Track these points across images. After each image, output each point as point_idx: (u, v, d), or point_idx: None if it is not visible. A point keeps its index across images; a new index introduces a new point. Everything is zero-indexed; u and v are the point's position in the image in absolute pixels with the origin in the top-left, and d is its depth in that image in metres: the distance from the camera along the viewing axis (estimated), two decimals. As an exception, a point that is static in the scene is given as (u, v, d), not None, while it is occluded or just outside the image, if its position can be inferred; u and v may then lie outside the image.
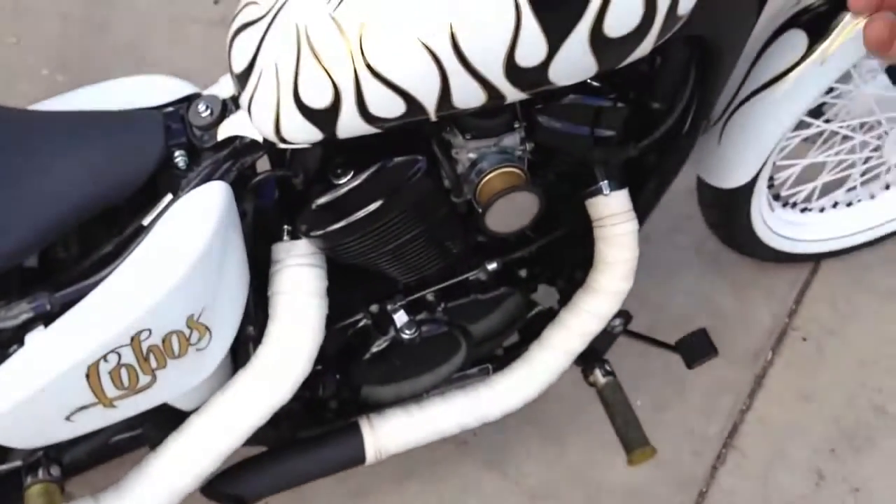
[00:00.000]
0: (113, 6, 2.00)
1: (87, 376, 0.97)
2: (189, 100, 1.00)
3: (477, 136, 1.00)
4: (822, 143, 1.47)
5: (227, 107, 0.99)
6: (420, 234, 1.08)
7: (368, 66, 0.86)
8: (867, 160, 1.51)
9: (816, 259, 1.70)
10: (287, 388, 1.10)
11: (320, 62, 0.87)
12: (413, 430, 1.27)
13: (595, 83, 1.04)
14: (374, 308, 1.19)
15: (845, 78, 1.32)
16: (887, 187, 1.67)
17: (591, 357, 1.32)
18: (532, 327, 1.28)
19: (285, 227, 1.08)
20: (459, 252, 1.16)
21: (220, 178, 0.97)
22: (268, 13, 0.91)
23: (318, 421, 1.29)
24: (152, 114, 0.99)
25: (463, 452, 1.51)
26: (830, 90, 1.35)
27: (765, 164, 1.35)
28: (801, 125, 1.38)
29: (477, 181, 1.00)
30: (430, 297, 1.20)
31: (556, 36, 0.84)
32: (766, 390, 1.57)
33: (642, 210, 1.21)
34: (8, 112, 0.96)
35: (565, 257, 1.26)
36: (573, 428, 1.53)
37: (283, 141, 0.95)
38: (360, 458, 1.26)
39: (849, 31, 1.20)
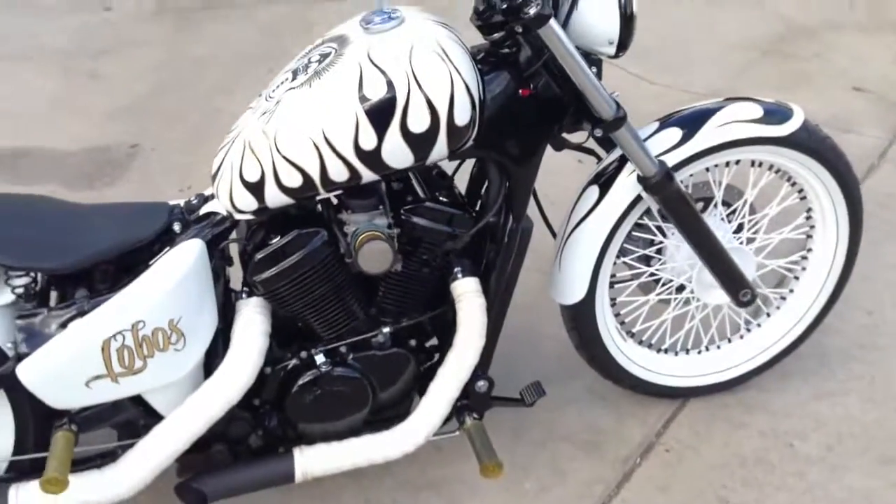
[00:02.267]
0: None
1: (102, 349, 1.56)
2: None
3: (355, 212, 1.64)
4: (658, 287, 2.03)
5: (209, 198, 1.67)
6: (328, 290, 1.67)
7: (279, 152, 1.53)
8: (685, 301, 2.05)
9: (679, 395, 2.16)
10: (237, 389, 1.65)
11: (254, 154, 1.55)
12: (333, 458, 1.76)
13: (441, 198, 1.70)
14: (302, 354, 1.75)
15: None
16: (729, 340, 2.18)
17: (463, 410, 1.82)
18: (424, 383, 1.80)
19: (244, 288, 1.70)
20: (362, 316, 1.73)
21: (197, 236, 1.62)
22: (233, 136, 1.62)
23: (265, 450, 1.79)
24: (163, 204, 1.67)
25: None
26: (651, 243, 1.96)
27: (594, 282, 1.90)
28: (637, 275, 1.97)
29: (354, 240, 1.62)
30: (342, 348, 1.75)
31: (380, 129, 1.51)
32: (632, 483, 1.98)
33: (497, 298, 1.78)
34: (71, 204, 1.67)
35: (444, 330, 1.81)
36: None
37: (236, 210, 1.60)
38: (290, 476, 1.75)
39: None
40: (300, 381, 1.74)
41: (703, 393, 2.17)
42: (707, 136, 1.83)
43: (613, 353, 2.05)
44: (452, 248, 1.73)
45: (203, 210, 1.67)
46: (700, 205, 1.93)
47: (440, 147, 1.57)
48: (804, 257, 2.13)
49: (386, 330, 1.77)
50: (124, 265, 1.62)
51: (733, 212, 2.00)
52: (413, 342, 1.82)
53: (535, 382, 1.91)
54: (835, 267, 2.10)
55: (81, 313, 1.57)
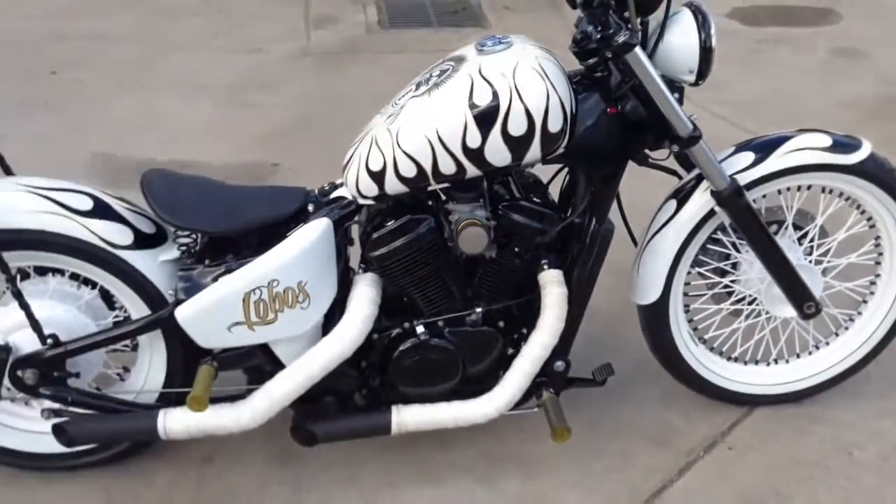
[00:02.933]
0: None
1: (243, 301, 1.89)
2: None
3: (459, 203, 1.93)
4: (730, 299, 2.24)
5: (339, 185, 1.99)
6: (431, 270, 1.96)
7: (399, 146, 1.84)
8: (756, 313, 2.25)
9: (745, 401, 2.34)
10: (348, 346, 1.94)
11: (379, 148, 1.87)
12: (424, 417, 2.03)
13: (535, 200, 1.97)
14: (406, 324, 2.03)
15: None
16: (798, 356, 2.35)
17: (542, 386, 2.06)
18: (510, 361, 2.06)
19: (361, 265, 2.01)
20: (459, 296, 2.02)
21: (326, 216, 1.94)
22: (363, 134, 1.94)
23: (369, 406, 2.08)
24: (302, 189, 2.01)
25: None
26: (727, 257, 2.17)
27: (669, 286, 2.13)
28: (711, 286, 2.19)
29: (456, 226, 1.91)
30: (440, 323, 2.03)
31: (485, 131, 1.81)
32: (693, 472, 2.17)
33: (578, 289, 2.03)
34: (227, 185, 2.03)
35: (531, 316, 2.07)
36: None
37: (360, 195, 1.92)
38: (387, 428, 2.03)
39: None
40: (401, 348, 2.03)
41: (769, 402, 2.35)
42: (777, 160, 2.05)
43: (685, 356, 2.26)
44: (541, 242, 1.99)
45: (333, 195, 1.99)
46: (774, 227, 2.14)
47: (534, 150, 1.85)
48: (873, 282, 2.30)
49: (479, 310, 2.04)
50: (266, 235, 1.95)
51: (805, 234, 2.20)
52: (502, 324, 2.08)
53: (606, 364, 2.15)
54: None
55: (229, 270, 1.91)
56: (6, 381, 1.95)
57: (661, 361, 2.29)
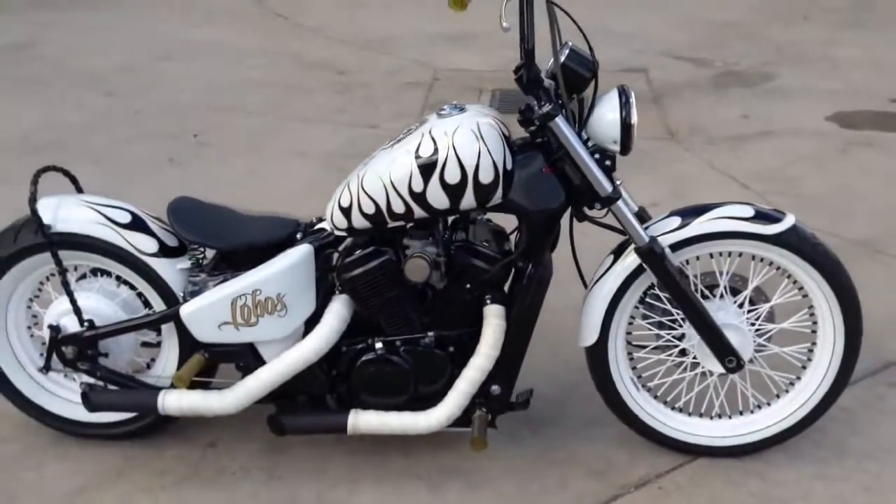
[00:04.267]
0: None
1: (231, 304, 2.34)
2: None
3: (413, 239, 2.31)
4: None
5: (322, 220, 2.43)
6: (391, 295, 2.35)
7: (362, 187, 2.27)
8: (693, 365, 2.47)
9: (685, 450, 2.54)
10: (315, 353, 2.35)
11: (349, 188, 2.30)
12: (376, 422, 2.40)
13: (485, 244, 2.34)
14: (369, 340, 2.42)
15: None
16: (741, 413, 2.54)
17: (477, 406, 2.39)
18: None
19: (338, 287, 2.42)
20: (415, 321, 2.39)
21: (309, 243, 2.38)
22: (345, 180, 2.38)
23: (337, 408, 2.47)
24: (294, 220, 2.46)
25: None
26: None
27: (606, 331, 2.41)
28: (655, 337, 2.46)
29: (406, 258, 2.30)
30: (397, 342, 2.40)
31: (426, 178, 2.20)
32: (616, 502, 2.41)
33: (516, 325, 2.36)
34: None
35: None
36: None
37: (335, 227, 2.35)
38: (343, 428, 2.40)
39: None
40: (362, 360, 2.41)
41: (710, 453, 2.54)
42: (699, 225, 2.32)
43: (626, 399, 2.51)
44: (487, 280, 2.34)
45: (317, 227, 2.43)
46: (713, 289, 2.40)
47: (469, 197, 2.22)
48: (810, 349, 2.48)
49: (431, 334, 2.40)
50: (261, 255, 2.40)
51: (749, 299, 2.43)
52: (452, 349, 2.43)
53: (528, 389, 2.46)
54: (833, 364, 2.43)
55: (224, 279, 2.38)
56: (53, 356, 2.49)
57: (605, 401, 2.55)
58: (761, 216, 2.34)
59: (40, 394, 2.61)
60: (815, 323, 2.45)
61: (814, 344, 2.47)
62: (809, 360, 2.49)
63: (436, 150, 2.20)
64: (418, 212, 2.25)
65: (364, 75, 6.18)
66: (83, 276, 2.56)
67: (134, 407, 2.50)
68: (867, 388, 2.85)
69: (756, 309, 2.44)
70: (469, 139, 2.20)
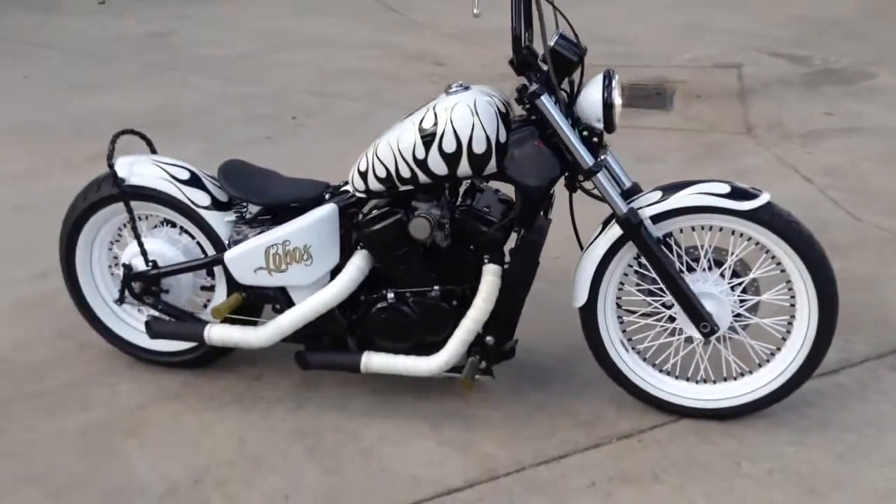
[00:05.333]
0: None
1: (265, 252, 2.73)
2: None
3: (420, 201, 2.63)
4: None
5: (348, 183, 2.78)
6: (401, 251, 2.67)
7: (376, 154, 2.60)
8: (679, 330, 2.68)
9: (671, 410, 2.75)
10: (335, 297, 2.70)
11: (366, 154, 2.64)
12: (385, 363, 2.73)
13: (486, 209, 2.63)
14: (383, 291, 2.75)
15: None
16: (725, 380, 2.73)
17: (472, 353, 2.68)
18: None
19: (360, 243, 2.76)
20: (422, 275, 2.70)
21: (334, 202, 2.73)
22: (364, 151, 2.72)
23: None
24: (324, 182, 2.82)
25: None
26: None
27: (595, 294, 2.65)
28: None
29: (410, 217, 2.61)
30: (407, 294, 2.72)
31: (427, 146, 2.51)
32: (597, 451, 2.65)
33: (511, 282, 2.64)
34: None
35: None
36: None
37: (356, 189, 2.69)
38: (357, 367, 2.75)
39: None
40: (375, 307, 2.75)
41: (692, 415, 2.74)
42: (677, 199, 2.53)
43: (614, 359, 2.74)
44: (484, 241, 2.63)
45: (343, 189, 2.78)
46: (704, 262, 2.61)
47: (464, 166, 2.51)
48: (789, 322, 2.65)
49: (437, 288, 2.71)
50: (295, 211, 2.77)
51: (735, 272, 2.63)
52: (455, 303, 2.73)
53: (514, 339, 2.73)
54: (808, 337, 2.59)
55: (262, 231, 2.76)
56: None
57: (595, 358, 2.79)
58: (737, 193, 2.52)
59: (117, 323, 3.08)
60: (793, 297, 2.62)
61: (792, 317, 2.64)
62: (788, 332, 2.65)
63: (436, 122, 2.51)
64: (422, 177, 2.57)
65: (461, 67, 6.51)
66: (155, 226, 3.01)
67: (185, 336, 2.92)
68: (869, 369, 2.97)
69: (739, 281, 2.63)
70: (465, 113, 2.49)
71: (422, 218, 2.60)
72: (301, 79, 6.20)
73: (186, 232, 2.96)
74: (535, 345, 3.04)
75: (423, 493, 2.53)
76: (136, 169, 2.87)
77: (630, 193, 2.63)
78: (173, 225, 2.97)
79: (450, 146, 2.50)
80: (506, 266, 2.67)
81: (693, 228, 2.62)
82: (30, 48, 6.73)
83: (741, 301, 2.65)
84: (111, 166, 2.83)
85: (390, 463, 2.64)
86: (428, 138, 2.52)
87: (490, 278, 2.63)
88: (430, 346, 2.75)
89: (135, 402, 2.94)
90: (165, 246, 2.95)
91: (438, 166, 2.53)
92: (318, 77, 6.29)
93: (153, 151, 3.03)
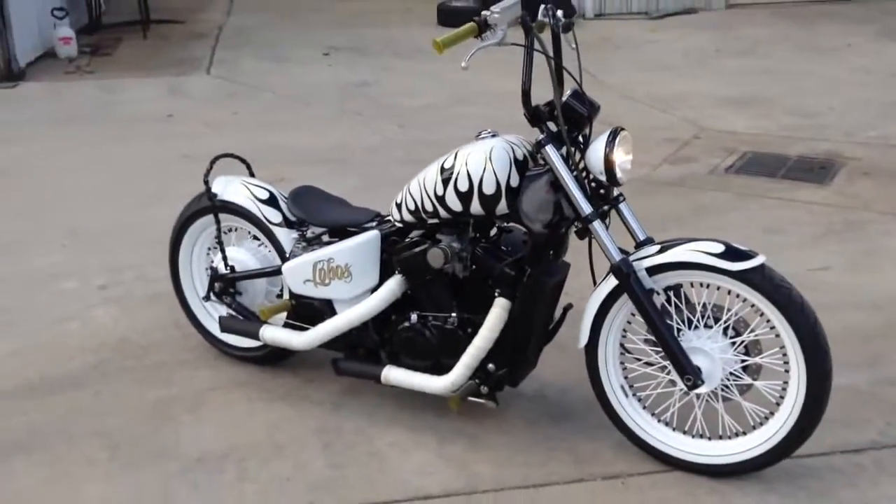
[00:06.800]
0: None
1: (313, 266, 3.11)
2: None
3: (443, 234, 2.91)
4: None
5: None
6: (427, 280, 2.96)
7: (409, 189, 2.92)
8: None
9: (662, 460, 2.80)
10: (366, 314, 3.03)
11: (403, 190, 2.96)
12: (401, 377, 3.01)
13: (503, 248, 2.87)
14: (409, 312, 3.04)
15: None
16: (720, 437, 2.76)
17: (474, 378, 2.90)
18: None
19: (398, 269, 3.08)
20: (444, 301, 2.96)
21: (377, 229, 3.07)
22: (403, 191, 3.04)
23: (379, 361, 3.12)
24: (373, 210, 3.17)
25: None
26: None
27: (596, 337, 2.79)
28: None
29: (430, 247, 2.89)
30: (429, 317, 2.99)
31: (445, 185, 2.79)
32: (581, 484, 2.76)
33: (517, 317, 2.84)
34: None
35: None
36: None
37: (395, 220, 3.02)
38: (378, 377, 3.05)
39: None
40: (401, 326, 3.04)
41: (685, 467, 2.78)
42: (671, 254, 2.63)
43: (613, 403, 2.85)
44: (498, 277, 2.86)
45: (387, 218, 3.11)
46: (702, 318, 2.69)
47: (476, 204, 2.76)
48: (783, 388, 2.64)
49: (454, 315, 2.96)
50: (346, 234, 3.14)
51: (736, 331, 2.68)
52: (469, 330, 2.96)
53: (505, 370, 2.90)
54: (796, 406, 2.58)
55: (314, 249, 3.15)
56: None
57: (597, 400, 2.90)
58: (731, 252, 2.58)
59: (207, 319, 3.58)
60: (786, 362, 2.62)
61: (786, 382, 2.64)
62: (782, 398, 2.65)
63: (454, 164, 2.79)
64: (442, 212, 2.84)
65: (629, 129, 6.64)
66: (244, 238, 3.49)
67: (246, 333, 3.35)
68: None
69: (733, 340, 2.67)
70: (479, 158, 2.76)
71: (438, 249, 2.87)
72: (469, 128, 6.55)
73: (265, 245, 3.41)
74: (563, 382, 3.20)
75: (401, 494, 2.77)
76: (228, 187, 3.36)
77: (643, 246, 2.75)
78: (256, 238, 3.43)
79: (463, 186, 2.77)
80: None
81: (692, 285, 2.70)
82: (248, 90, 7.65)
83: (743, 361, 2.68)
84: (206, 182, 3.34)
85: (388, 466, 2.91)
86: (446, 177, 2.80)
87: (497, 311, 2.85)
88: (445, 368, 2.99)
89: (205, 385, 3.40)
90: (246, 255, 3.41)
91: (454, 203, 2.80)
92: (484, 126, 6.67)
93: (251, 174, 3.52)
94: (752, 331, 2.66)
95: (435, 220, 2.90)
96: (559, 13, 2.85)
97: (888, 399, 3.16)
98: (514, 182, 2.76)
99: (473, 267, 2.90)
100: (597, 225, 2.69)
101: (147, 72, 8.29)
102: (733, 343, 2.67)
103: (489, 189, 2.74)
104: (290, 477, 2.87)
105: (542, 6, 2.80)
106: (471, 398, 2.94)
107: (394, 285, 3.04)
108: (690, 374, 2.65)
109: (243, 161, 3.51)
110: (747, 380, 2.69)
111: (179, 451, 3.02)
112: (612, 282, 2.74)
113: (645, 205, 5.22)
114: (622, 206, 2.80)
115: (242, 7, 11.68)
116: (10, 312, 4.04)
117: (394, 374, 3.05)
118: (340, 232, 3.17)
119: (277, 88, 7.68)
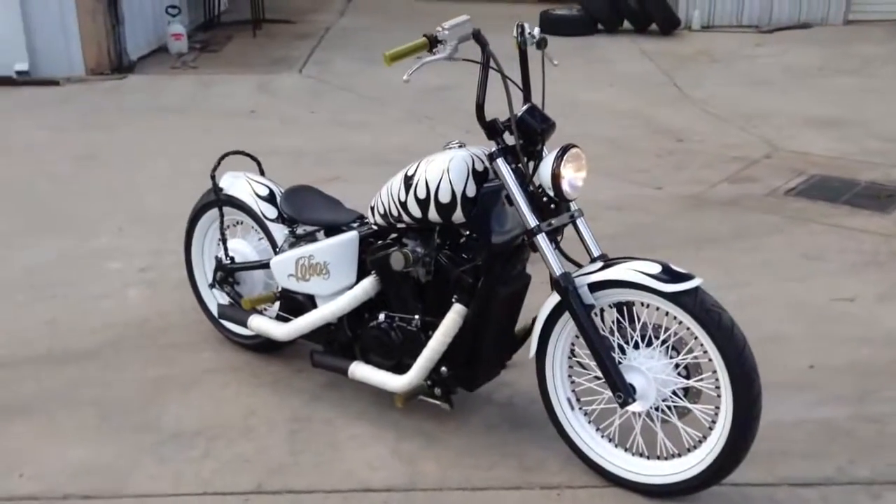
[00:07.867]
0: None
1: (296, 262, 3.29)
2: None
3: (408, 239, 3.02)
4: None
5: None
6: (394, 279, 3.08)
7: (380, 194, 3.05)
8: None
9: (604, 476, 2.83)
10: (340, 310, 3.18)
11: (380, 196, 3.09)
12: (366, 374, 3.15)
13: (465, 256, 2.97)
14: (377, 312, 3.17)
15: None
16: (659, 457, 2.77)
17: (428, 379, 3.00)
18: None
19: (372, 269, 3.22)
20: (411, 304, 3.08)
21: (357, 230, 3.22)
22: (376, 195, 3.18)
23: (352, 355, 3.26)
24: (356, 211, 3.32)
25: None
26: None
27: (543, 349, 2.84)
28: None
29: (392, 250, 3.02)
30: (396, 318, 3.12)
31: (406, 191, 2.91)
32: (517, 492, 2.83)
33: (471, 323, 2.93)
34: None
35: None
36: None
37: (371, 222, 3.16)
38: (345, 372, 3.19)
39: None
40: (370, 325, 3.17)
41: (622, 484, 2.80)
42: (609, 272, 2.66)
43: (558, 414, 2.90)
44: (454, 281, 2.95)
45: (367, 220, 3.25)
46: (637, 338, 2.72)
47: (433, 211, 2.86)
48: (716, 412, 2.63)
49: (417, 318, 3.07)
50: (331, 232, 3.30)
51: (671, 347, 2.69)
52: (430, 333, 3.06)
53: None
54: (722, 433, 2.57)
55: (299, 245, 3.32)
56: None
57: (545, 409, 2.95)
58: (667, 274, 2.59)
59: (213, 304, 3.81)
60: (717, 387, 2.61)
61: (718, 407, 2.62)
62: (714, 421, 2.64)
63: (415, 172, 2.90)
64: (405, 217, 2.96)
65: (700, 145, 6.57)
66: (248, 232, 3.71)
67: (237, 320, 3.55)
68: (850, 492, 2.80)
69: (671, 361, 2.67)
70: (437, 167, 2.86)
71: (400, 253, 2.99)
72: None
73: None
74: (535, 392, 3.25)
75: (344, 485, 2.90)
76: (233, 182, 3.58)
77: (594, 262, 2.79)
78: (257, 231, 3.64)
79: (422, 193, 2.88)
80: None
81: (642, 304, 2.71)
82: (332, 89, 7.94)
83: (679, 383, 2.69)
84: (213, 177, 3.56)
85: (342, 458, 3.05)
86: (408, 184, 2.91)
87: (452, 315, 2.94)
88: (407, 367, 3.11)
89: (203, 367, 3.63)
90: (248, 247, 3.63)
91: (414, 209, 2.92)
92: (558, 139, 6.70)
93: (261, 172, 3.72)
94: (689, 352, 2.66)
95: (402, 225, 3.03)
96: (536, 31, 2.93)
97: (861, 436, 3.07)
98: (471, 192, 2.84)
99: (436, 272, 3.01)
100: (541, 238, 2.74)
101: (245, 69, 8.72)
102: (677, 365, 2.68)
103: (445, 198, 2.84)
104: (249, 459, 3.05)
105: (516, 23, 2.89)
106: (424, 398, 3.05)
107: (367, 285, 3.17)
108: (622, 391, 2.67)
109: (254, 159, 3.71)
110: (684, 403, 2.69)
111: (160, 425, 3.25)
112: (556, 297, 2.80)
113: (686, 223, 5.20)
114: (579, 221, 2.84)
115: (358, 9, 12.07)
116: (59, 286, 4.39)
117: (360, 371, 3.18)
118: (337, 231, 3.33)
119: (360, 89, 7.93)
